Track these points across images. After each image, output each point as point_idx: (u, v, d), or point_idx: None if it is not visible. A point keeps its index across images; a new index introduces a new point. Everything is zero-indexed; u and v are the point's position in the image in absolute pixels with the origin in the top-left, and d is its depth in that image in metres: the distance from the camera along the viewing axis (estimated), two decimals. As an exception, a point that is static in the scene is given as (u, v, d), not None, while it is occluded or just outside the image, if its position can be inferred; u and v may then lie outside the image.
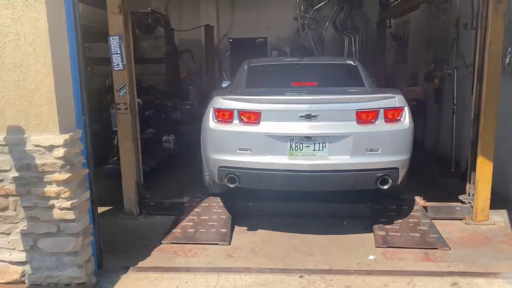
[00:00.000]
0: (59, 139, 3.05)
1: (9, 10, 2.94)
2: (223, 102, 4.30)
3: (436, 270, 3.63)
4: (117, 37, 4.54)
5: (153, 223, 4.75)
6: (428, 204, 4.78)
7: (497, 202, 4.77)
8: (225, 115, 4.24)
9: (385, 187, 4.10)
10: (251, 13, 11.74)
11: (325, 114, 4.06)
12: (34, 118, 3.06)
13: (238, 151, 4.14)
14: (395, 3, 8.53)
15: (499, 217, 4.67)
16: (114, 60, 4.60)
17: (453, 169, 6.38)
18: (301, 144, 4.08)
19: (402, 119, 4.15)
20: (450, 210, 4.74)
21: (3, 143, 3.07)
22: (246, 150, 4.13)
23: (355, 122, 4.07)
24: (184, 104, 8.47)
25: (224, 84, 6.09)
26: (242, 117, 4.17)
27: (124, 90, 4.66)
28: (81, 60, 3.37)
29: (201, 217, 4.56)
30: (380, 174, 4.06)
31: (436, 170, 6.51)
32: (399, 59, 9.85)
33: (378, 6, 9.42)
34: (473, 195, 4.63)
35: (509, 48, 5.24)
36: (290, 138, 4.08)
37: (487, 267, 3.68)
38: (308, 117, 4.03)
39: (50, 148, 3.05)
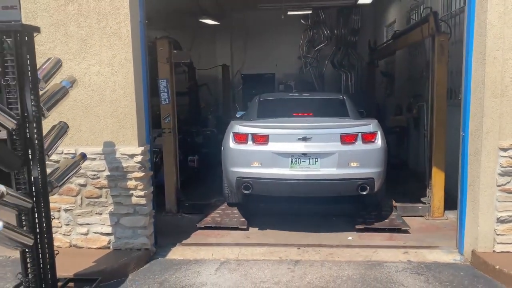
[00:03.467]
0: (138, 150, 4.65)
1: (110, 67, 4.60)
2: (240, 128, 5.57)
3: (395, 245, 5.10)
4: (164, 80, 6.20)
5: (188, 218, 6.23)
6: (398, 204, 6.26)
7: (454, 204, 6.17)
8: (241, 138, 5.48)
9: (364, 193, 5.24)
10: (260, 52, 13.44)
11: (317, 137, 5.28)
12: (121, 136, 4.67)
13: (252, 165, 5.35)
14: (380, 47, 10.23)
15: (452, 215, 6.05)
16: (162, 97, 6.25)
17: (426, 182, 7.83)
18: (299, 159, 5.28)
19: (375, 141, 5.36)
20: (414, 209, 6.21)
21: (101, 152, 4.67)
22: (258, 164, 5.34)
23: (340, 143, 5.27)
24: (206, 130, 10.06)
25: (238, 115, 7.49)
26: (254, 139, 5.41)
27: (169, 118, 6.28)
28: (148, 98, 5.00)
29: (225, 211, 6.10)
30: (359, 183, 5.21)
31: (414, 183, 7.95)
32: (388, 92, 11.45)
33: (368, 49, 11.11)
34: (430, 197, 6.10)
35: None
36: (291, 154, 5.27)
37: (432, 243, 5.13)
38: (304, 139, 5.25)
39: (132, 156, 4.65)
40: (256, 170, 5.33)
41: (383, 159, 5.41)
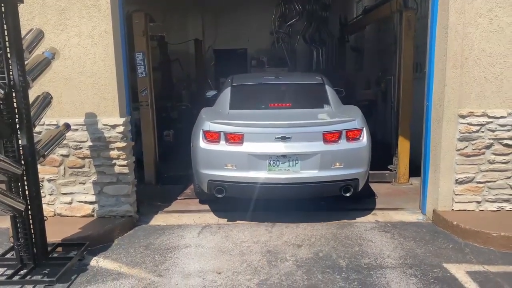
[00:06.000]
0: (120, 120, 4.78)
1: (90, 39, 4.66)
2: (211, 125, 4.91)
3: (364, 208, 5.48)
4: (141, 53, 6.27)
5: (168, 189, 6.40)
6: (367, 171, 6.64)
7: (419, 172, 6.57)
8: (213, 136, 4.88)
9: (348, 194, 4.86)
10: (232, 28, 13.46)
11: (298, 136, 4.76)
12: (103, 107, 4.78)
13: (225, 167, 4.82)
14: (350, 22, 10.51)
15: (417, 181, 6.48)
16: (138, 70, 6.32)
17: (393, 151, 8.29)
18: (278, 161, 4.78)
19: (361, 138, 4.91)
20: (382, 175, 6.62)
21: (83, 123, 4.77)
22: (232, 166, 4.80)
23: (322, 142, 4.79)
24: (181, 105, 10.16)
25: (209, 95, 7.05)
26: (228, 138, 4.83)
27: (146, 91, 6.38)
28: (128, 70, 5.10)
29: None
30: (343, 184, 4.83)
31: (382, 153, 8.38)
32: (357, 67, 11.81)
33: (339, 24, 11.37)
34: (397, 164, 6.53)
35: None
36: (268, 156, 4.76)
37: (398, 206, 5.55)
38: (283, 138, 4.74)
39: (114, 126, 4.77)
40: (230, 173, 4.84)
41: (369, 157, 5.02)
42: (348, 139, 4.89)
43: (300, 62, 13.48)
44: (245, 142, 4.81)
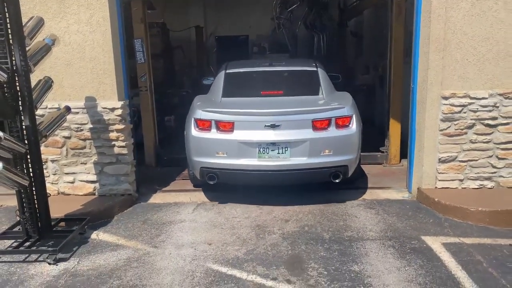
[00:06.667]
0: (118, 103, 5.03)
1: (88, 26, 4.90)
2: (202, 113, 5.04)
3: (353, 187, 5.71)
4: (140, 39, 6.50)
5: (167, 171, 6.68)
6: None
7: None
8: (204, 125, 5.01)
9: (337, 180, 5.00)
10: (234, 14, 13.60)
11: (287, 124, 4.85)
12: (102, 91, 5.03)
13: (216, 155, 4.96)
14: (349, 7, 10.62)
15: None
16: (137, 56, 6.55)
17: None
18: (267, 149, 4.89)
19: (350, 125, 4.98)
20: (374, 157, 6.83)
21: (83, 107, 5.04)
22: (223, 154, 4.94)
23: (311, 130, 4.88)
24: (182, 91, 10.40)
25: (205, 82, 7.01)
26: (218, 126, 4.95)
27: (145, 77, 6.62)
28: (125, 56, 5.33)
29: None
30: (332, 171, 4.96)
31: (378, 136, 8.58)
32: (357, 52, 11.92)
33: (338, 9, 11.47)
34: (388, 146, 6.73)
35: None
36: (258, 144, 4.87)
37: (386, 185, 5.78)
38: (273, 126, 4.84)
39: (113, 109, 5.03)
40: (221, 160, 4.98)
41: (358, 143, 5.12)
42: (338, 126, 4.97)
43: (301, 47, 13.58)
44: (236, 130, 4.93)
